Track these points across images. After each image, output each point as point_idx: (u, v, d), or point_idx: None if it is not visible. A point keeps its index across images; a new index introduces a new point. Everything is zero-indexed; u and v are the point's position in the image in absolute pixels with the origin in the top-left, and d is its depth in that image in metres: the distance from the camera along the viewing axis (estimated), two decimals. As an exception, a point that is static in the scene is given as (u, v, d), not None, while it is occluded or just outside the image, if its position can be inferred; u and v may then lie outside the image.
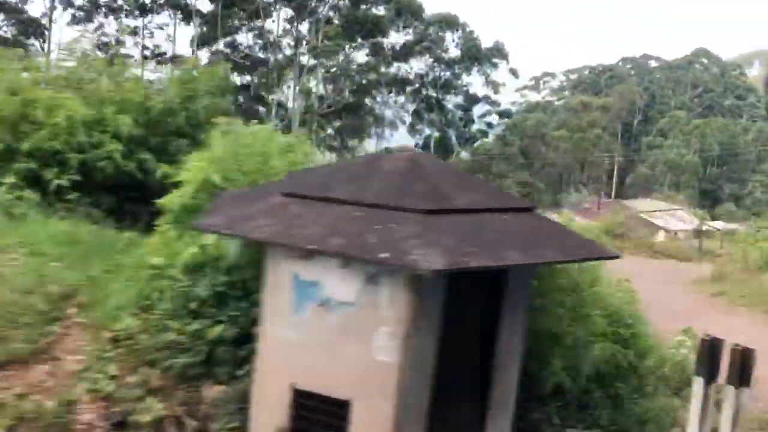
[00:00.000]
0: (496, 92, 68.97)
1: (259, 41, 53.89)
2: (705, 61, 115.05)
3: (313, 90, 52.22)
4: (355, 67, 57.47)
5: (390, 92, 64.54)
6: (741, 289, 16.99)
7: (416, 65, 66.05)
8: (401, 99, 66.58)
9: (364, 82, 59.70)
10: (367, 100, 61.85)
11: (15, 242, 6.26)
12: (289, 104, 55.04)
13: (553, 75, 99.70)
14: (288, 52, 54.84)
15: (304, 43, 53.58)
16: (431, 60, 65.80)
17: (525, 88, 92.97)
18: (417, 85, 66.73)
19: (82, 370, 5.19)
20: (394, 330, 4.12)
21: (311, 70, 52.12)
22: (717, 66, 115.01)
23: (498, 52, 66.67)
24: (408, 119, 68.34)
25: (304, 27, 53.96)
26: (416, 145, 70.49)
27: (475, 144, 67.28)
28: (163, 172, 6.95)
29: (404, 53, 63.21)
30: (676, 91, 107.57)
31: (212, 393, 5.13)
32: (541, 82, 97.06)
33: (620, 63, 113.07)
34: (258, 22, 52.89)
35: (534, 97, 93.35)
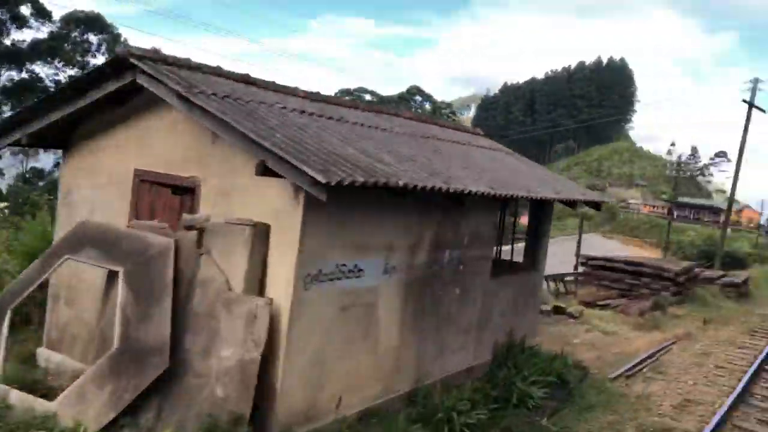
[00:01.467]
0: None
1: None
2: (418, 98, 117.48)
3: None
4: None
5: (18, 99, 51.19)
6: None
7: (50, 70, 53.42)
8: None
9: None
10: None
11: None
12: None
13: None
14: None
15: None
16: (62, 64, 53.59)
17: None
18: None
19: None
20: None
21: None
22: (429, 103, 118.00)
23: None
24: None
25: None
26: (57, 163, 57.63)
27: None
28: None
29: (27, 54, 50.37)
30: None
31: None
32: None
33: (337, 94, 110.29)
34: None
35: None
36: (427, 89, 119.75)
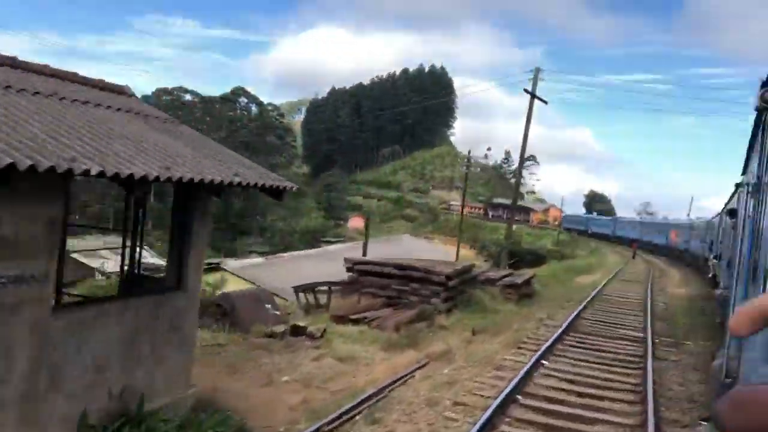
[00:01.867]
0: None
1: None
2: (244, 100, 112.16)
3: None
4: None
5: None
6: None
7: None
8: None
9: None
10: None
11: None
12: None
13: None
14: None
15: None
16: None
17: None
18: None
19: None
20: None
21: None
22: (255, 105, 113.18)
23: None
24: None
25: None
26: None
27: None
28: None
29: None
30: (211, 126, 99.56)
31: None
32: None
33: (151, 94, 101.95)
34: None
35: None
36: (259, 92, 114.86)
